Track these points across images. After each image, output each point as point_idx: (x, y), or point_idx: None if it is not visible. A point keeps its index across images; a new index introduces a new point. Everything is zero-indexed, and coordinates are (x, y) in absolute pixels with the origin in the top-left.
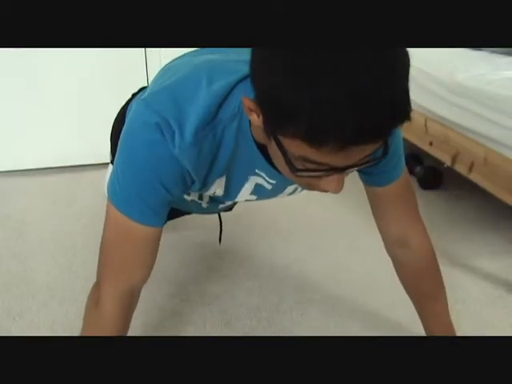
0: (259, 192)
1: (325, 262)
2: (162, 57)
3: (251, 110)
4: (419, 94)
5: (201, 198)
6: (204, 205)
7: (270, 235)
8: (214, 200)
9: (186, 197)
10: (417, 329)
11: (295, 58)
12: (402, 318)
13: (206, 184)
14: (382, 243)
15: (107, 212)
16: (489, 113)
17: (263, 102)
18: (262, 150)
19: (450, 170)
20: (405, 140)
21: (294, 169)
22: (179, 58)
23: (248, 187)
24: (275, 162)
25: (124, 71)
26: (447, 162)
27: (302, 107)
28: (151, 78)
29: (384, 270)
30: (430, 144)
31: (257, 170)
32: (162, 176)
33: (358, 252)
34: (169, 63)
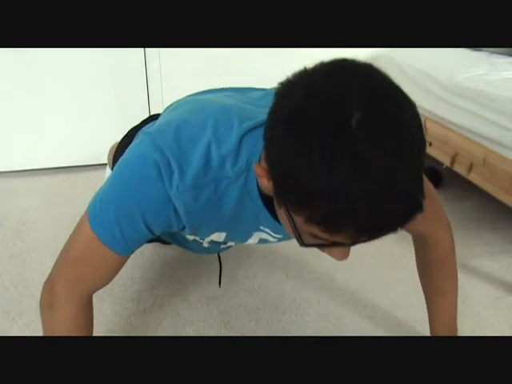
0: (264, 242)
1: (324, 263)
2: (162, 57)
3: (262, 176)
4: (419, 95)
5: (202, 238)
6: (205, 244)
7: None
8: (215, 242)
9: (187, 236)
10: (416, 329)
11: (313, 141)
12: (402, 319)
13: (200, 232)
14: (382, 243)
15: (81, 220)
16: (488, 113)
17: (277, 179)
18: (268, 202)
19: (450, 170)
20: None
21: (302, 242)
22: (193, 95)
23: (252, 241)
24: (282, 223)
25: (123, 71)
26: (446, 162)
27: (317, 195)
28: (150, 79)
29: (384, 270)
30: (430, 144)
31: (261, 227)
32: (147, 214)
33: (357, 253)
34: (182, 98)
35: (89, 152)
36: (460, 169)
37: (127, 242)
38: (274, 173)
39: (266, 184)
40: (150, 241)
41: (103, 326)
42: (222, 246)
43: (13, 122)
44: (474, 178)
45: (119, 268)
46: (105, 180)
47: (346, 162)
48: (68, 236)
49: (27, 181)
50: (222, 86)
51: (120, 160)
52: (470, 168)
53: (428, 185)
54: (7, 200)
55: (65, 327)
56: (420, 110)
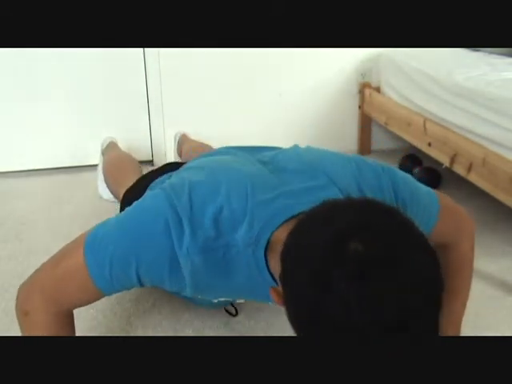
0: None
1: None
2: (161, 57)
3: (277, 299)
4: (418, 95)
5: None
6: (215, 300)
7: None
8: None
9: None
10: None
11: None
12: None
13: (205, 295)
14: None
15: (78, 242)
16: (488, 114)
17: (291, 316)
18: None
19: (449, 170)
20: (404, 141)
21: None
22: (210, 154)
23: (258, 304)
24: None
25: (123, 72)
26: (446, 162)
27: (334, 329)
28: (150, 79)
29: None
30: (429, 145)
31: (270, 303)
32: (142, 266)
33: None
34: (200, 157)
35: (89, 152)
36: (459, 169)
37: (113, 284)
38: (289, 309)
39: (279, 303)
40: None
41: (103, 326)
42: (232, 301)
43: (13, 122)
44: (473, 178)
45: (94, 300)
46: (98, 183)
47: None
48: (66, 236)
49: (27, 181)
50: (234, 145)
51: (134, 205)
52: (470, 168)
53: (446, 199)
54: (7, 200)
55: (41, 335)
56: (420, 110)
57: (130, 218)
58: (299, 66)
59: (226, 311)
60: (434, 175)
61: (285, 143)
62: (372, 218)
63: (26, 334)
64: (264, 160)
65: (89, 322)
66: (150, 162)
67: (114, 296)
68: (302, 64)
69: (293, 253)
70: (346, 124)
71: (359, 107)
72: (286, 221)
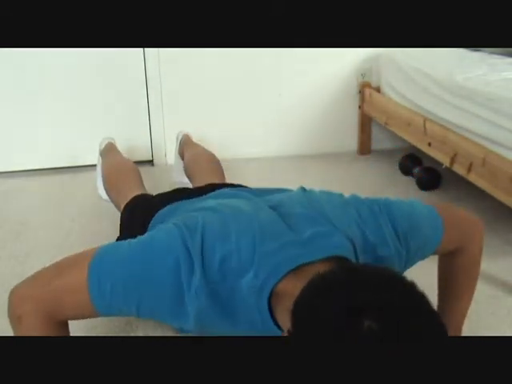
0: None
1: None
2: (161, 57)
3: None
4: (418, 95)
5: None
6: None
7: None
8: None
9: None
10: None
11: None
12: None
13: (205, 332)
14: None
15: (84, 257)
16: (487, 114)
17: None
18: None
19: (449, 170)
20: (404, 141)
21: None
22: (221, 195)
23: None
24: None
25: (123, 72)
26: (446, 162)
27: None
28: (150, 79)
29: None
30: (429, 145)
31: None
32: (144, 299)
33: None
34: (212, 196)
35: (89, 152)
36: (459, 169)
37: (111, 310)
38: None
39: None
40: None
41: (103, 326)
42: None
43: (13, 122)
44: (473, 178)
45: (90, 317)
46: (97, 184)
47: None
48: (66, 236)
49: (27, 181)
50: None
51: (147, 237)
52: (470, 168)
53: (447, 210)
54: (7, 200)
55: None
56: (419, 110)
57: (141, 251)
58: (299, 66)
59: None
60: (434, 175)
61: (285, 143)
62: (388, 296)
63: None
64: (271, 204)
65: (89, 321)
66: (150, 162)
67: None
68: (302, 64)
69: (305, 317)
70: (346, 124)
71: (359, 107)
72: (292, 270)
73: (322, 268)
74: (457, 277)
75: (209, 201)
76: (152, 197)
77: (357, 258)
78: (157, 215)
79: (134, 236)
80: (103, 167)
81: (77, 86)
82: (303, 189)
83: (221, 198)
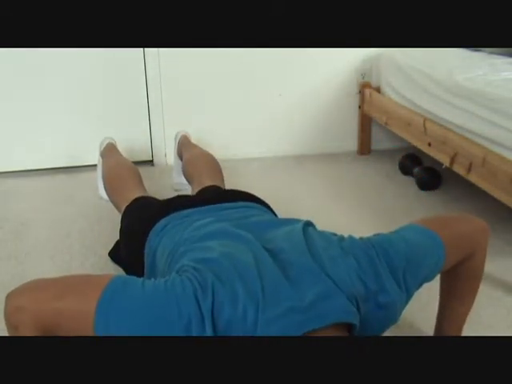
0: None
1: None
2: (161, 57)
3: None
4: (418, 95)
5: None
6: None
7: None
8: None
9: None
10: (415, 329)
11: None
12: (401, 319)
13: None
14: None
15: (96, 284)
16: (487, 114)
17: None
18: None
19: (449, 170)
20: (404, 141)
21: None
22: (223, 236)
23: None
24: None
25: (123, 72)
26: (446, 162)
27: None
28: (150, 79)
29: None
30: (429, 145)
31: None
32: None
33: None
34: (216, 237)
35: (88, 152)
36: (459, 169)
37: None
38: None
39: None
40: None
41: None
42: None
43: (13, 122)
44: (473, 178)
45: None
46: (98, 179)
47: None
48: (66, 236)
49: (27, 181)
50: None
51: (162, 285)
52: (470, 168)
53: (447, 228)
54: (7, 200)
55: None
56: (419, 111)
57: (156, 297)
58: (299, 66)
59: None
60: (434, 175)
61: (285, 143)
62: None
63: None
64: (270, 247)
65: None
66: (150, 162)
67: None
68: (302, 64)
69: None
70: (346, 124)
71: (359, 107)
72: None
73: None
74: (461, 281)
75: (211, 244)
76: (150, 202)
77: (358, 309)
78: (153, 230)
79: (133, 247)
80: (103, 168)
81: (77, 85)
82: (305, 226)
83: (221, 238)
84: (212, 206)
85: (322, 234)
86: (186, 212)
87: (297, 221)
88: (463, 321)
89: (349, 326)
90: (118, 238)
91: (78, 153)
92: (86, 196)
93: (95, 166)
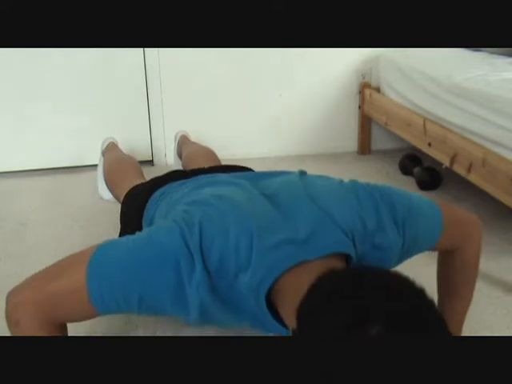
0: None
1: None
2: (161, 57)
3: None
4: (418, 95)
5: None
6: None
7: None
8: None
9: None
10: None
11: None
12: None
13: (209, 322)
14: None
15: (80, 257)
16: (487, 114)
17: None
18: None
19: (449, 170)
20: (404, 141)
21: None
22: (218, 184)
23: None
24: None
25: (123, 72)
26: (446, 162)
27: None
28: (150, 79)
29: None
30: (429, 145)
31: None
32: (145, 298)
33: None
34: (209, 181)
35: (89, 152)
36: (459, 169)
37: (110, 307)
38: None
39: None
40: None
41: (103, 326)
42: None
43: (13, 122)
44: (473, 178)
45: (90, 318)
46: (98, 184)
47: None
48: (66, 236)
49: (27, 181)
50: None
51: (145, 235)
52: (470, 168)
53: (449, 210)
54: (7, 200)
55: None
56: (419, 110)
57: (141, 250)
58: (299, 66)
59: None
60: (434, 175)
61: (285, 143)
62: (396, 305)
63: None
64: (266, 193)
65: (89, 322)
66: (150, 162)
67: None
68: (302, 64)
69: (311, 321)
70: (346, 124)
71: (359, 107)
72: (291, 268)
73: (321, 266)
74: (455, 276)
75: (205, 190)
76: (147, 182)
77: (355, 249)
78: (151, 200)
79: (132, 228)
80: (105, 162)
81: (77, 86)
82: (301, 173)
83: (216, 185)
84: (209, 174)
85: (322, 176)
86: (183, 181)
87: (293, 171)
88: (462, 320)
89: (346, 258)
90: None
91: (78, 153)
92: (86, 196)
93: (95, 166)
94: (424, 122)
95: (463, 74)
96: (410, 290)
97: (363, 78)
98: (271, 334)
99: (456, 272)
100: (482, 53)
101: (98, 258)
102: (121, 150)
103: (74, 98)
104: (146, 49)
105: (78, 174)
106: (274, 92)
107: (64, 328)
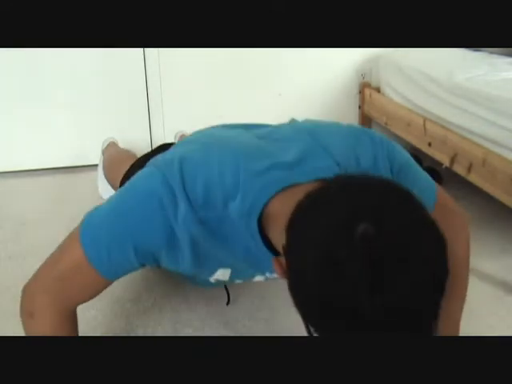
0: (267, 279)
1: None
2: (161, 57)
3: (279, 271)
4: (418, 95)
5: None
6: (212, 280)
7: None
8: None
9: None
10: None
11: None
12: None
13: (205, 268)
14: None
15: (73, 234)
16: (487, 114)
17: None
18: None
19: (449, 170)
20: (404, 141)
21: (309, 333)
22: (201, 130)
23: (256, 279)
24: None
25: (123, 72)
26: (446, 162)
27: (338, 330)
28: (150, 79)
29: None
30: (429, 145)
31: (267, 274)
32: (138, 244)
33: None
34: (194, 133)
35: (89, 152)
36: (459, 169)
37: (112, 266)
38: (294, 285)
39: (282, 275)
40: None
41: (103, 326)
42: (230, 283)
43: (13, 121)
44: (473, 178)
45: (102, 289)
46: (98, 182)
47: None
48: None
49: (27, 181)
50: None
51: (126, 185)
52: (470, 168)
53: (444, 197)
54: (7, 200)
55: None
56: (419, 110)
57: (124, 200)
58: (299, 65)
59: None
60: (434, 175)
61: None
62: (387, 202)
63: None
64: (259, 135)
65: (89, 322)
66: None
67: (114, 296)
68: (302, 64)
69: (300, 228)
70: None
71: (359, 107)
72: (280, 191)
73: (311, 187)
74: None
75: (188, 137)
76: (139, 158)
77: None
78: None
79: None
80: (104, 159)
81: (77, 86)
82: (295, 120)
83: (201, 131)
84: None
85: (318, 119)
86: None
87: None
88: (458, 317)
89: None
90: None
91: (78, 153)
92: (86, 196)
93: (95, 165)
94: (424, 121)
95: (463, 74)
96: (397, 190)
97: (363, 77)
98: (267, 275)
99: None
100: (482, 53)
101: (87, 226)
102: (120, 147)
103: (74, 98)
104: (145, 49)
105: (78, 174)
106: (274, 92)
107: (75, 317)
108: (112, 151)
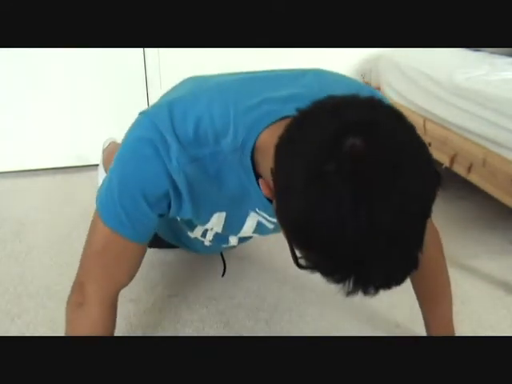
0: (261, 230)
1: None
2: (161, 56)
3: (266, 192)
4: (418, 95)
5: (204, 235)
6: (207, 243)
7: (269, 237)
8: (216, 238)
9: (189, 233)
10: (414, 330)
11: (322, 185)
12: (400, 319)
13: (200, 212)
14: None
15: (94, 218)
16: (488, 114)
17: (285, 224)
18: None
19: (449, 170)
20: None
21: (297, 263)
22: (192, 77)
23: (250, 225)
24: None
25: (122, 72)
26: (446, 163)
27: (323, 249)
28: (150, 79)
29: None
30: (429, 145)
31: (257, 210)
32: (147, 191)
33: None
34: (182, 81)
35: (89, 152)
36: (459, 169)
37: (134, 225)
38: (281, 209)
39: (269, 195)
40: (155, 246)
41: None
42: (224, 246)
43: (13, 121)
44: (473, 178)
45: (139, 258)
46: (98, 179)
47: (358, 219)
48: (67, 236)
49: (27, 181)
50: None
51: (122, 145)
52: (470, 168)
53: None
54: (7, 200)
55: (90, 328)
56: (419, 111)
57: (120, 158)
58: (299, 66)
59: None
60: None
61: None
62: (378, 117)
63: (74, 328)
64: (260, 75)
65: None
66: None
67: None
68: (302, 64)
69: (288, 146)
70: None
71: None
72: (272, 124)
73: None
74: (426, 285)
75: (176, 86)
76: None
77: None
78: None
79: None
80: (104, 157)
81: (76, 85)
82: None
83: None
84: None
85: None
86: None
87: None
88: (449, 318)
89: None
90: None
91: (78, 153)
92: (86, 196)
93: (96, 165)
94: (424, 121)
95: (463, 74)
96: (389, 107)
97: (363, 77)
98: (257, 210)
99: (425, 280)
100: (481, 53)
101: (99, 201)
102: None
103: (74, 98)
104: (145, 49)
105: (78, 174)
106: None
107: (116, 310)
108: (113, 146)
